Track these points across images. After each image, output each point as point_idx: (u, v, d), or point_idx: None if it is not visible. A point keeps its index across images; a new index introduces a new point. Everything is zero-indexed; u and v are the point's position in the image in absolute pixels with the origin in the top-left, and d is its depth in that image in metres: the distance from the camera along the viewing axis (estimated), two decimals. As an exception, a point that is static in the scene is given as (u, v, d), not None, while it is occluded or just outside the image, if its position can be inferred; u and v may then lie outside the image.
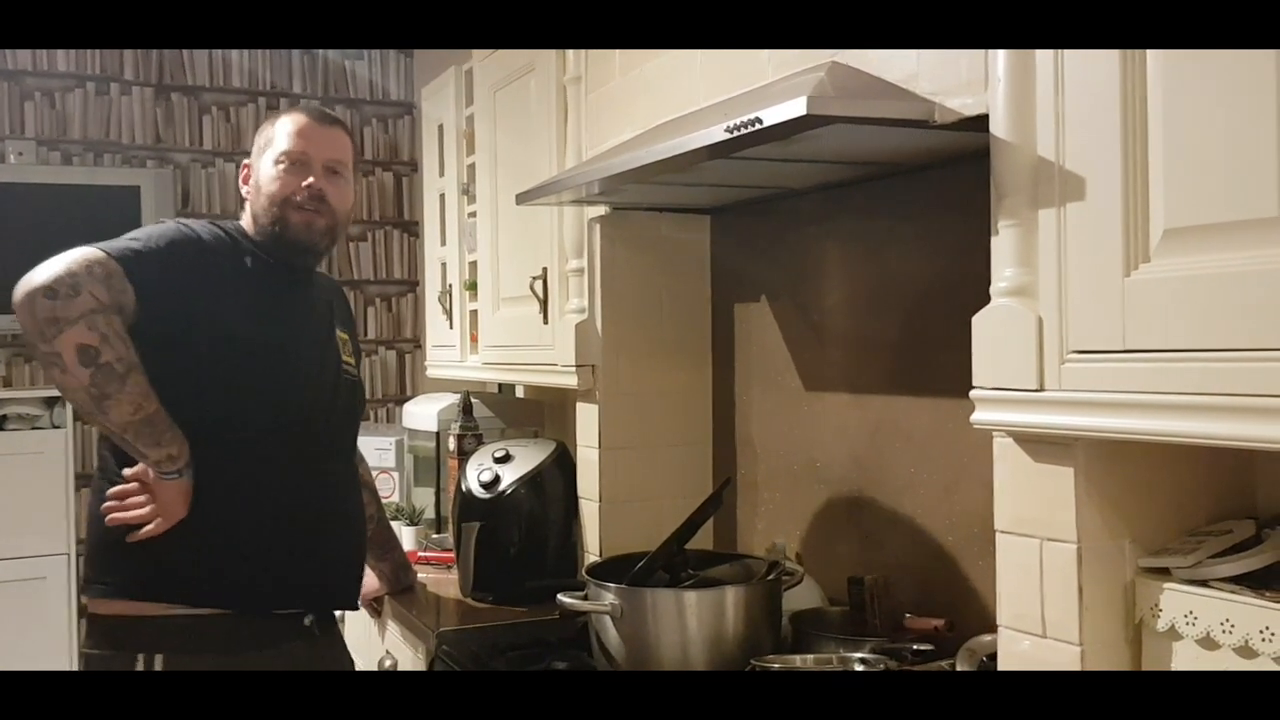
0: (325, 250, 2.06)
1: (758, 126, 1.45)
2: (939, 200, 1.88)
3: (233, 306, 1.89)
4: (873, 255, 2.08)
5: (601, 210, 2.45)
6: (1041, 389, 1.28)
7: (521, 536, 2.52)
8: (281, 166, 1.97)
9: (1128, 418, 1.18)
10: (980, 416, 1.36)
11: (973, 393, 1.37)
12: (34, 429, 4.35)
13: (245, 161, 2.06)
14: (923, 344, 1.93)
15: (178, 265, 1.85)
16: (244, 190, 2.04)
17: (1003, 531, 1.39)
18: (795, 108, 1.38)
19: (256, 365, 1.90)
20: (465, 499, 2.57)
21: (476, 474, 2.58)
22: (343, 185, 2.02)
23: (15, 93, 4.50)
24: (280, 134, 1.99)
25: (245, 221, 2.02)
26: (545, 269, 2.61)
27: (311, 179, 1.96)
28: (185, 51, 4.74)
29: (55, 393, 4.34)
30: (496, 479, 2.55)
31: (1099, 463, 1.30)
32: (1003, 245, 1.34)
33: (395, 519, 3.27)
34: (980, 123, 1.39)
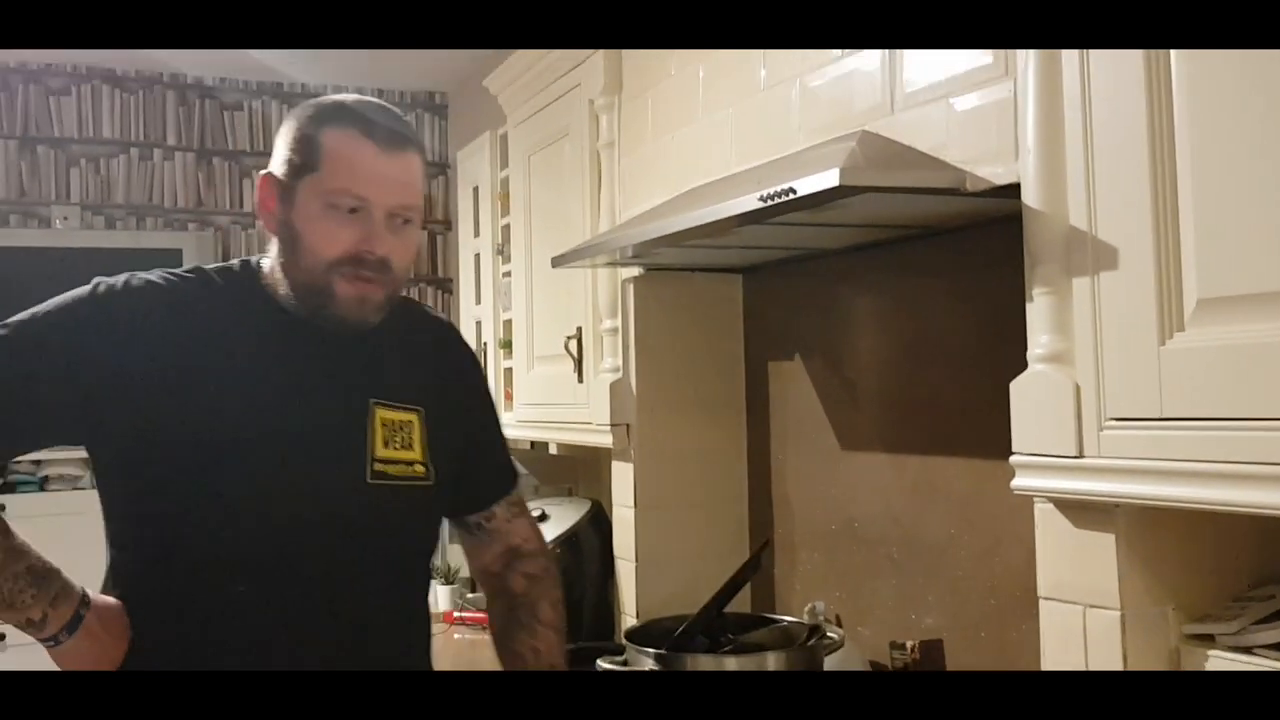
0: (377, 321, 1.40)
1: (791, 196, 1.48)
2: (973, 260, 1.88)
3: (171, 390, 1.31)
4: (907, 314, 2.09)
5: (635, 271, 2.47)
6: (1081, 455, 1.28)
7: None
8: (333, 217, 1.33)
9: (1167, 485, 1.18)
10: (1020, 482, 1.37)
11: (1012, 458, 1.38)
12: (75, 489, 4.40)
13: (263, 172, 1.39)
14: (960, 403, 1.94)
15: (66, 351, 1.30)
16: (261, 219, 1.40)
17: (1045, 598, 1.39)
18: (829, 178, 1.40)
19: (205, 473, 1.31)
20: (503, 559, 2.58)
21: (514, 534, 2.59)
22: (410, 236, 1.40)
23: (61, 159, 4.61)
24: (330, 158, 1.33)
25: (269, 263, 1.41)
26: (580, 328, 2.64)
27: (372, 242, 1.34)
28: (226, 116, 4.83)
29: (97, 453, 4.40)
30: (534, 539, 2.56)
31: (1140, 529, 1.30)
32: (1038, 312, 1.35)
33: (430, 578, 3.28)
34: (1012, 190, 1.40)
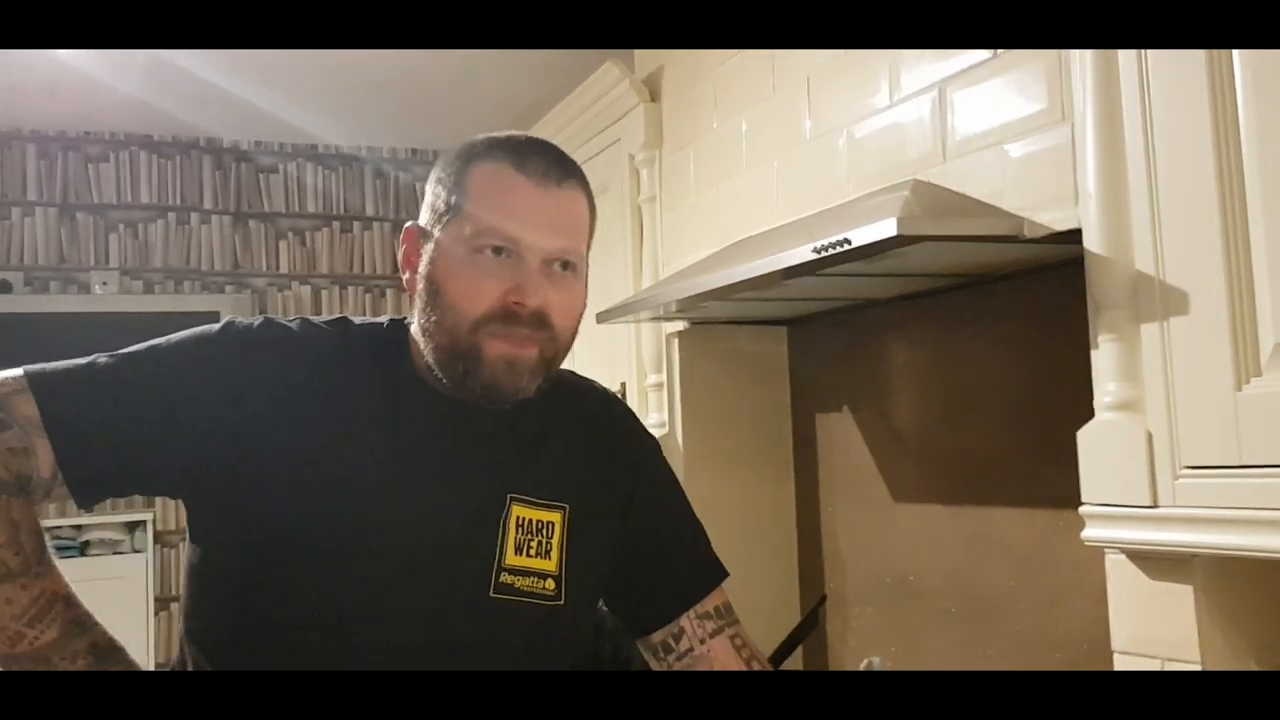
0: (535, 394, 1.15)
1: (846, 247, 1.46)
2: (1026, 307, 1.86)
3: (288, 459, 1.11)
4: (958, 362, 2.06)
5: (679, 325, 2.46)
6: (1155, 505, 1.25)
7: (610, 655, 2.49)
8: (479, 264, 1.10)
9: (1248, 535, 1.15)
10: (1092, 533, 1.34)
11: (1082, 509, 1.35)
12: (115, 554, 4.41)
13: (408, 225, 1.18)
14: (1016, 453, 1.90)
15: (179, 397, 1.10)
16: (405, 278, 1.18)
17: (1121, 652, 1.35)
18: (886, 228, 1.39)
19: (310, 565, 1.10)
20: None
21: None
22: (572, 286, 1.15)
23: (100, 225, 4.66)
24: (476, 195, 1.12)
25: (415, 329, 1.17)
26: (624, 383, 2.63)
27: (524, 291, 1.10)
28: (261, 179, 4.89)
29: (136, 517, 4.41)
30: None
31: (1219, 579, 1.27)
32: (1104, 359, 1.33)
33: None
34: (1072, 235, 1.39)
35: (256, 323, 1.18)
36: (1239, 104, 1.16)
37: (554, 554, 1.19)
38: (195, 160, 4.81)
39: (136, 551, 4.44)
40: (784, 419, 2.54)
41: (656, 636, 1.29)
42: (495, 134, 1.18)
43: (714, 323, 2.46)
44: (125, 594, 4.36)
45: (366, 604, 1.10)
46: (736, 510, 2.47)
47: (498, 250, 1.10)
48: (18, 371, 1.08)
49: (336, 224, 5.00)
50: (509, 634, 1.16)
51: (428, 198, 1.17)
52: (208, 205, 4.82)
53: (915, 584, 2.15)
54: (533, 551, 1.18)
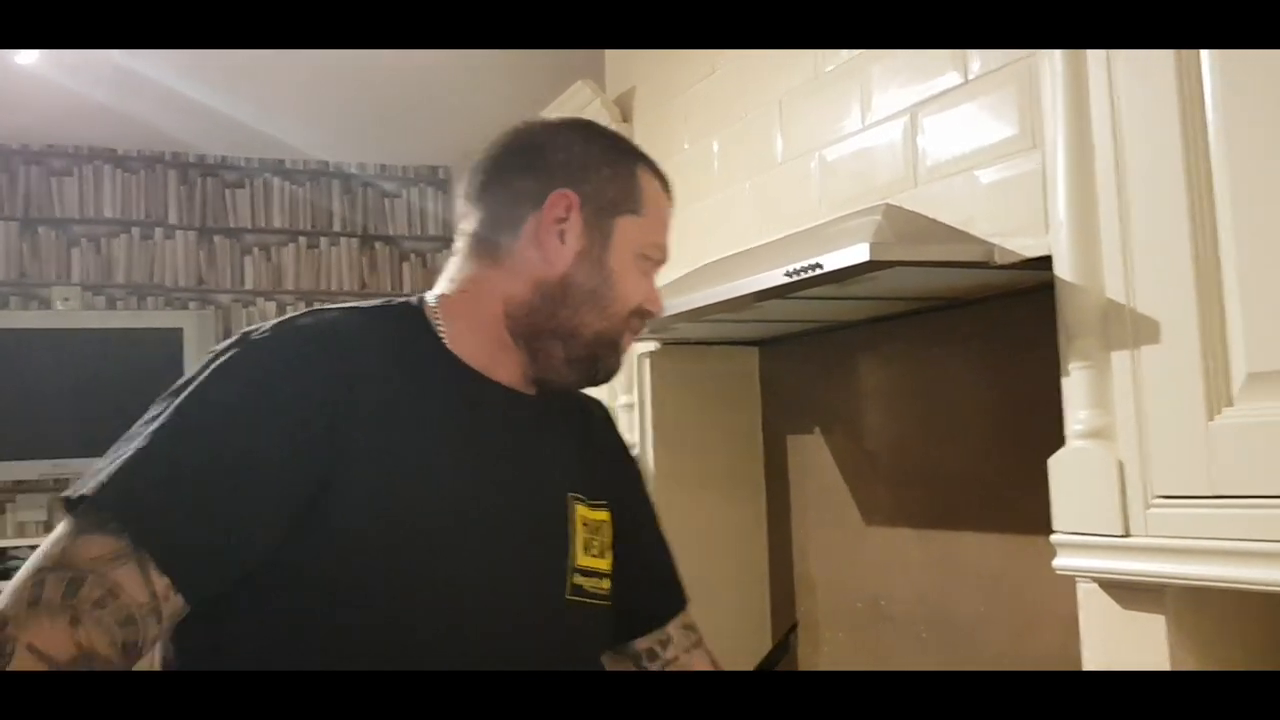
0: None
1: (818, 271, 1.46)
2: (998, 331, 1.86)
3: (358, 471, 0.99)
4: (929, 386, 2.06)
5: (650, 345, 2.45)
6: (1127, 534, 1.24)
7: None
8: (641, 268, 1.15)
9: (1220, 566, 1.15)
10: (1063, 562, 1.33)
11: (1054, 537, 1.34)
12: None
13: (563, 191, 1.11)
14: (988, 477, 1.90)
15: (248, 452, 0.96)
16: (545, 248, 1.12)
17: (1093, 681, 1.34)
18: (858, 253, 1.39)
19: (382, 570, 0.98)
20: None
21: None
22: None
23: (62, 240, 4.60)
24: (650, 204, 1.15)
25: (453, 302, 1.16)
26: (592, 404, 2.61)
27: (659, 300, 1.18)
28: (227, 194, 4.84)
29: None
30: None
31: (1192, 609, 1.26)
32: (1075, 386, 1.32)
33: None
34: (1042, 262, 1.39)
35: (294, 323, 1.06)
36: (1209, 132, 1.16)
37: (608, 554, 1.16)
38: (160, 174, 4.76)
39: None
40: (755, 440, 2.53)
41: (642, 643, 1.26)
42: (635, 145, 1.21)
43: (685, 343, 2.45)
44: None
45: (451, 614, 1.01)
46: (707, 532, 2.46)
47: (656, 262, 1.17)
48: (89, 523, 0.90)
49: (303, 239, 4.96)
50: (583, 639, 1.12)
51: (588, 169, 1.13)
52: (172, 220, 4.76)
53: (886, 608, 2.14)
54: (595, 551, 1.14)
